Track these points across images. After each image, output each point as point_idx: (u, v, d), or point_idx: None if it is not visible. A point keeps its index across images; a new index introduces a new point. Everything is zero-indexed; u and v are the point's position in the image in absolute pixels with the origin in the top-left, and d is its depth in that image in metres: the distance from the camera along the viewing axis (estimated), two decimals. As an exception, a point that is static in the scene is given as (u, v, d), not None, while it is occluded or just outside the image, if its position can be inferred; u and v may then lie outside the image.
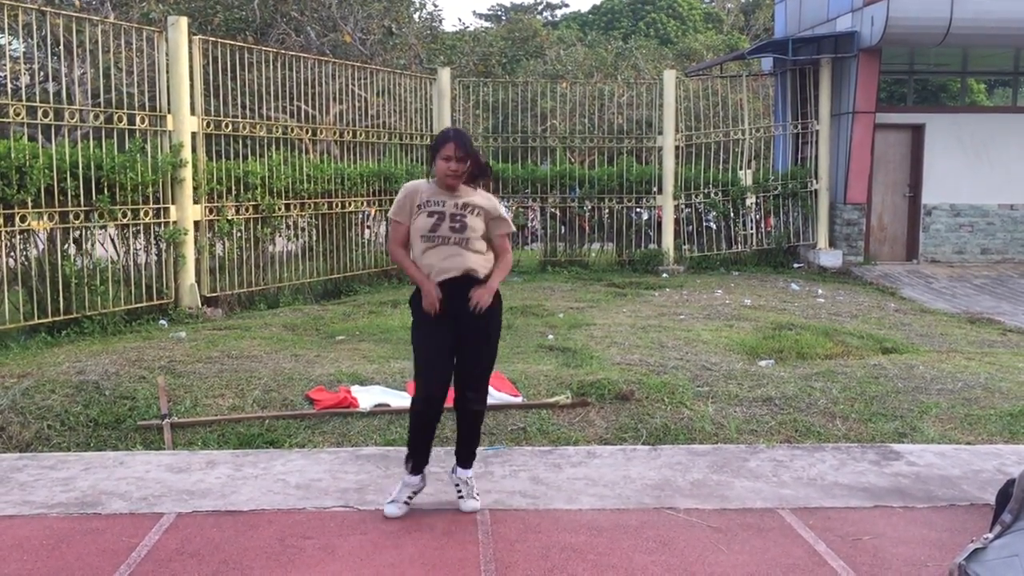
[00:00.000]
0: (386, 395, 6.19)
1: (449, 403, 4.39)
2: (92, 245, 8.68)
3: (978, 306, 11.18)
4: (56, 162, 8.16)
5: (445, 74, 13.81)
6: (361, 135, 12.20)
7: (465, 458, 4.52)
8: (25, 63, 10.18)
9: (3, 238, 7.92)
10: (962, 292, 12.42)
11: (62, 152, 8.29)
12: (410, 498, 4.42)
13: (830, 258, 14.32)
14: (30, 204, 7.99)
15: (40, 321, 8.16)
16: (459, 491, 4.48)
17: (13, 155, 7.77)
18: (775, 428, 5.88)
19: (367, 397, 6.14)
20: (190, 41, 9.62)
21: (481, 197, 4.38)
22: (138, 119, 9.18)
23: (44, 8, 9.36)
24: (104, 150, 8.72)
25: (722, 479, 4.90)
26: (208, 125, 9.87)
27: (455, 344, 4.32)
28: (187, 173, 9.45)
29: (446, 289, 4.26)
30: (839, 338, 8.56)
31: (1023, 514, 3.36)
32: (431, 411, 4.34)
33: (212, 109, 10.36)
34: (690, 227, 14.59)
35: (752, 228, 14.91)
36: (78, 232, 8.57)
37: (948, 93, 24.91)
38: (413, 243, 4.34)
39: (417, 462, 4.42)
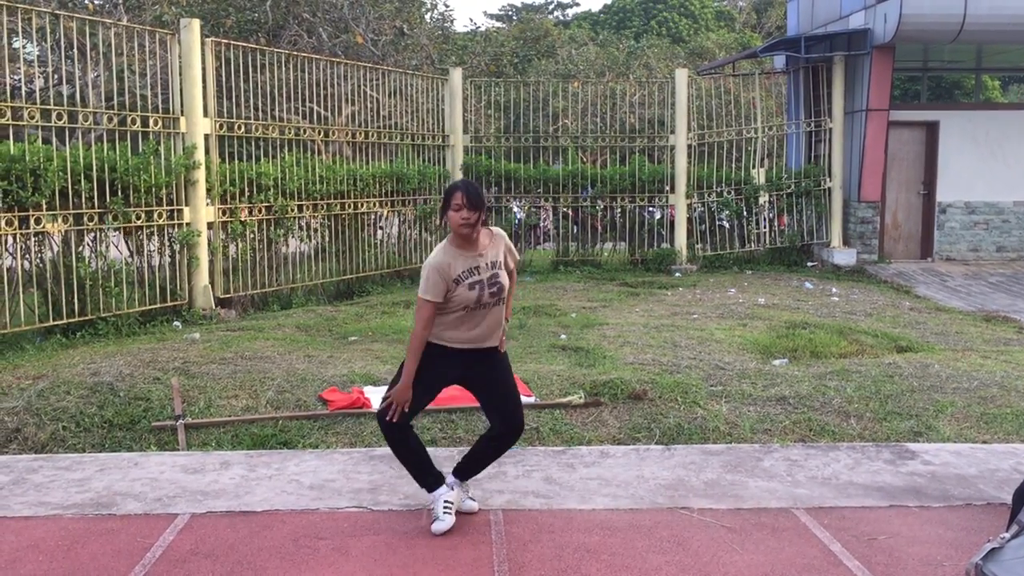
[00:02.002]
0: (399, 395, 6.19)
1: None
2: (106, 247, 8.73)
3: (994, 304, 11.10)
4: (70, 164, 8.21)
5: (457, 74, 13.82)
6: (373, 136, 12.22)
7: (470, 475, 4.46)
8: (39, 66, 10.25)
9: (18, 240, 7.97)
10: (977, 290, 12.34)
11: (76, 154, 8.33)
12: (448, 505, 4.28)
13: (844, 256, 14.25)
14: (45, 206, 8.04)
15: (55, 323, 8.21)
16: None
17: (28, 158, 7.82)
18: (789, 427, 5.86)
19: (380, 398, 6.14)
20: (203, 43, 9.66)
21: (497, 245, 4.27)
22: (151, 121, 9.22)
23: (58, 11, 9.41)
24: (118, 152, 8.76)
25: (736, 479, 4.88)
26: (221, 127, 9.91)
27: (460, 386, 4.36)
28: (200, 175, 9.49)
29: (469, 354, 4.23)
30: (853, 337, 8.52)
31: (1040, 514, 3.33)
32: (399, 429, 4.23)
33: (225, 111, 10.40)
34: (703, 226, 14.55)
35: (765, 227, 14.85)
36: (92, 234, 8.62)
37: (962, 90, 24.77)
38: (446, 310, 4.17)
39: (431, 478, 4.33)
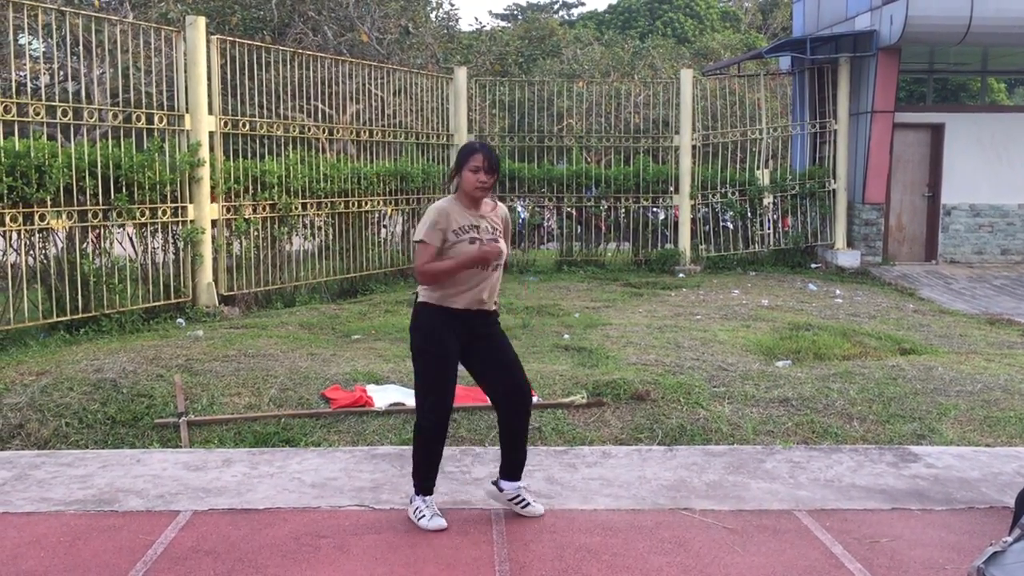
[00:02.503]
0: (402, 394, 6.20)
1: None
2: (110, 244, 8.74)
3: (998, 307, 11.08)
4: (75, 161, 8.21)
5: (462, 73, 13.82)
6: (378, 134, 12.22)
7: (517, 469, 4.36)
8: (44, 63, 10.25)
9: (23, 236, 7.98)
10: (981, 293, 12.32)
11: (81, 151, 8.34)
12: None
13: (848, 258, 14.23)
14: (49, 203, 8.05)
15: (59, 319, 8.22)
16: (521, 500, 4.34)
17: (33, 154, 7.83)
18: (792, 429, 5.85)
19: (383, 396, 6.16)
20: (208, 41, 9.66)
21: (498, 214, 4.31)
22: (156, 118, 9.23)
23: (63, 8, 9.43)
24: (123, 149, 8.77)
25: (738, 480, 4.87)
26: (226, 124, 9.91)
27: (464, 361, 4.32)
28: (205, 172, 9.49)
29: (469, 316, 4.21)
30: (857, 339, 8.51)
31: (1043, 518, 3.33)
32: (444, 425, 4.26)
33: (230, 108, 10.40)
34: (707, 227, 14.54)
35: (769, 228, 14.84)
36: (96, 231, 8.63)
37: (968, 92, 24.71)
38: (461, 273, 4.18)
39: (432, 482, 4.32)
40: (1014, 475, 4.97)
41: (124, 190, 8.71)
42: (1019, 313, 10.60)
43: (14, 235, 7.93)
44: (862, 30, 14.23)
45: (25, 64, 10.11)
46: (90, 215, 8.44)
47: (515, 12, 46.87)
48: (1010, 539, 3.28)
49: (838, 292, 11.92)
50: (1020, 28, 13.14)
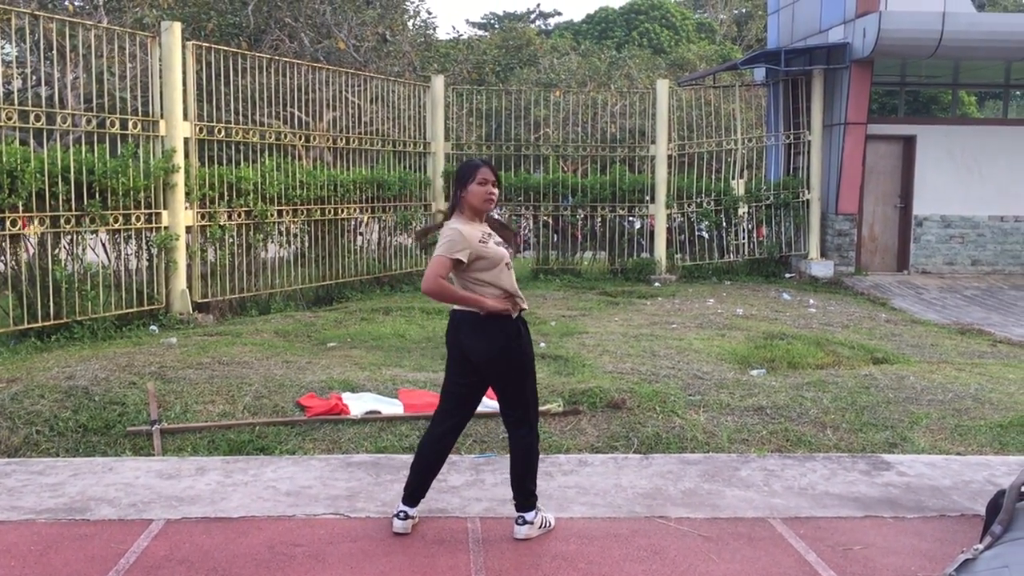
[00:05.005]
0: (377, 402, 6.18)
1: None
2: (83, 250, 8.66)
3: (968, 317, 11.22)
4: (48, 166, 8.14)
5: (439, 81, 13.83)
6: (354, 142, 12.20)
7: (528, 494, 4.28)
8: (18, 67, 10.15)
9: (-7, 242, 7.90)
10: (952, 303, 12.46)
11: (54, 156, 8.26)
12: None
13: (821, 268, 14.36)
14: (21, 208, 7.97)
15: (30, 326, 8.13)
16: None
17: (4, 159, 7.75)
18: (766, 437, 5.89)
19: (358, 404, 6.13)
20: (183, 46, 9.61)
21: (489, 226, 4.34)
22: (131, 124, 9.17)
23: (37, 12, 9.34)
24: (96, 155, 8.69)
25: (713, 488, 4.89)
26: (201, 131, 9.86)
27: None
28: (179, 178, 9.43)
29: (519, 319, 4.27)
30: (830, 348, 8.58)
31: (1013, 525, 3.36)
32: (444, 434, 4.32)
33: (205, 114, 10.35)
34: (682, 236, 14.61)
35: (744, 238, 14.94)
36: (69, 237, 8.54)
37: (939, 105, 25.02)
38: (495, 273, 4.17)
39: (419, 495, 4.32)
40: (984, 483, 5.02)
41: (97, 196, 8.64)
42: (989, 323, 10.73)
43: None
44: (835, 43, 14.39)
45: (-3, 68, 10.01)
46: (62, 221, 8.36)
47: (492, 21, 46.96)
48: (981, 546, 3.31)
49: (812, 302, 12.01)
50: (989, 42, 13.34)
